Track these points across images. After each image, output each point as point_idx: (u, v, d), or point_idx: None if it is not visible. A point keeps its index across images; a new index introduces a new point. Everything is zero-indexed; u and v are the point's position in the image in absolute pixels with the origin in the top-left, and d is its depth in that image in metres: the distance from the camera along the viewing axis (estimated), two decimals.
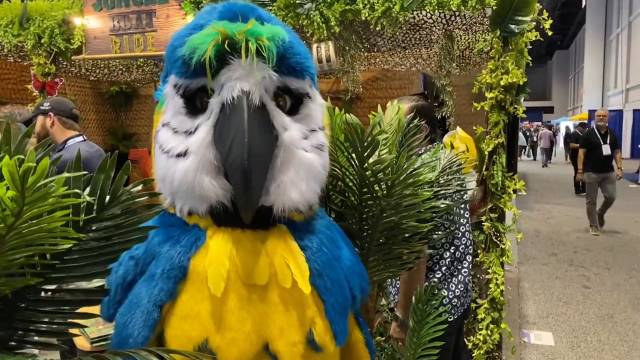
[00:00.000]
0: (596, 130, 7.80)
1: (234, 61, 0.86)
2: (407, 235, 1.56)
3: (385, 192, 1.42)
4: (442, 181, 1.69)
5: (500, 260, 2.95)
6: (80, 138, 2.97)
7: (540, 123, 33.71)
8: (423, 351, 1.63)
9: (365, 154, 1.40)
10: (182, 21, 3.43)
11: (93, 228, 0.91)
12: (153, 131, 1.04)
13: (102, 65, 4.65)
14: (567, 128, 24.28)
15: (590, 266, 5.92)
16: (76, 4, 3.60)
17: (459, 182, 1.72)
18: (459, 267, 2.34)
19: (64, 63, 4.25)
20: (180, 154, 0.91)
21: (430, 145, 2.22)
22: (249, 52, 0.84)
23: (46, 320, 0.94)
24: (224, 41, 0.84)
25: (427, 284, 1.69)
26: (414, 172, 1.41)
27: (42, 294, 0.93)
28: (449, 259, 2.30)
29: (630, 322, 4.29)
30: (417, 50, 4.25)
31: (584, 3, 26.48)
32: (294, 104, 0.97)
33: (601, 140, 7.57)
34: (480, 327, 2.91)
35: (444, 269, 2.28)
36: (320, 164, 0.99)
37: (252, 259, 0.92)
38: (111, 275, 0.97)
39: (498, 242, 2.93)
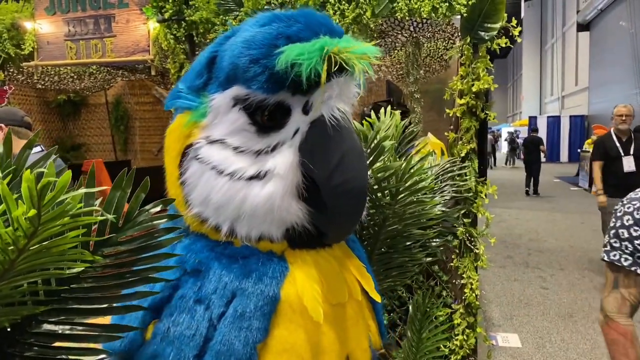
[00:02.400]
0: (614, 137, 5.21)
1: (333, 79, 0.83)
2: (408, 243, 1.52)
3: (389, 199, 1.38)
4: (436, 188, 1.67)
5: (475, 265, 2.98)
6: (39, 149, 2.75)
7: None
8: None
9: (369, 160, 1.36)
10: (143, 26, 3.29)
11: (104, 253, 0.82)
12: (175, 146, 0.93)
13: (52, 72, 4.41)
14: (511, 134, 25.15)
15: (546, 267, 6.10)
16: (27, 7, 3.40)
17: (454, 189, 1.70)
18: None
19: (11, 70, 4.01)
20: (254, 176, 0.85)
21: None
22: (350, 71, 0.82)
23: (49, 357, 0.84)
24: (329, 57, 0.79)
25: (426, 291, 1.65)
26: (419, 179, 1.37)
27: (46, 326, 0.82)
28: None
29: (590, 320, 4.43)
30: (381, 58, 4.27)
31: (522, 14, 27.71)
32: None
33: (621, 151, 5.11)
34: (456, 332, 2.92)
35: None
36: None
37: (334, 279, 0.94)
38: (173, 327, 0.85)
39: (472, 247, 2.95)
